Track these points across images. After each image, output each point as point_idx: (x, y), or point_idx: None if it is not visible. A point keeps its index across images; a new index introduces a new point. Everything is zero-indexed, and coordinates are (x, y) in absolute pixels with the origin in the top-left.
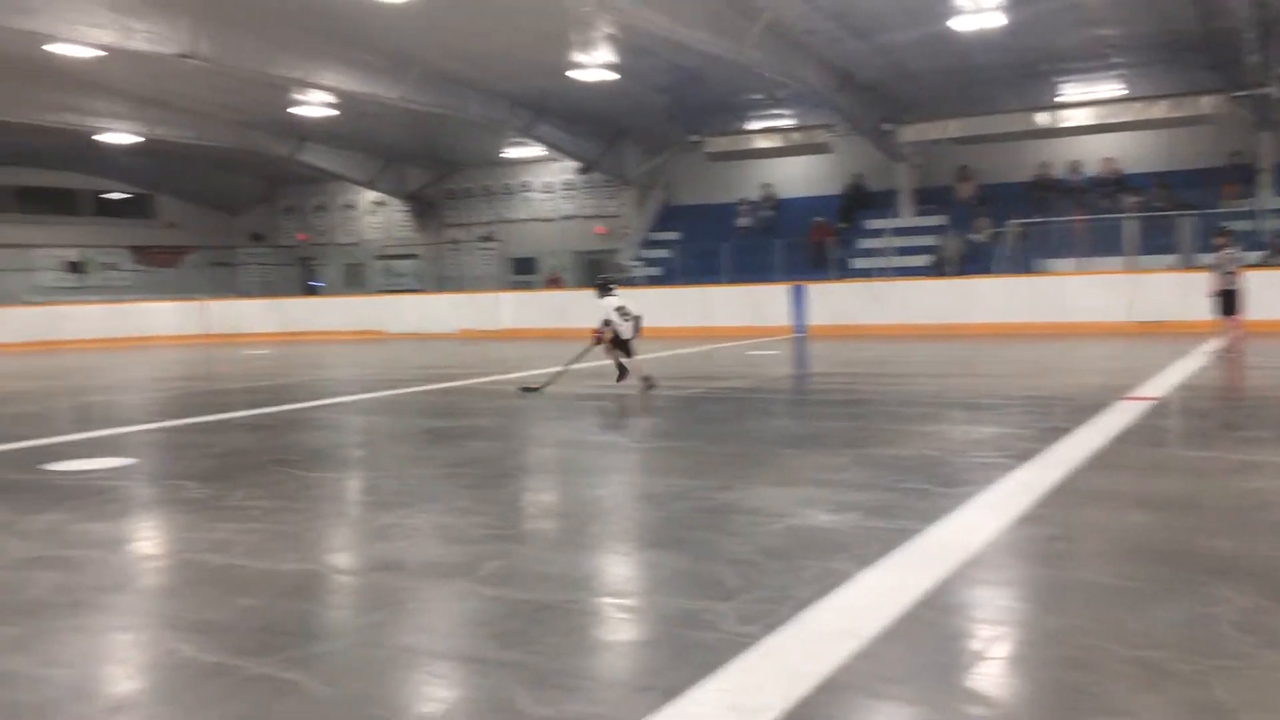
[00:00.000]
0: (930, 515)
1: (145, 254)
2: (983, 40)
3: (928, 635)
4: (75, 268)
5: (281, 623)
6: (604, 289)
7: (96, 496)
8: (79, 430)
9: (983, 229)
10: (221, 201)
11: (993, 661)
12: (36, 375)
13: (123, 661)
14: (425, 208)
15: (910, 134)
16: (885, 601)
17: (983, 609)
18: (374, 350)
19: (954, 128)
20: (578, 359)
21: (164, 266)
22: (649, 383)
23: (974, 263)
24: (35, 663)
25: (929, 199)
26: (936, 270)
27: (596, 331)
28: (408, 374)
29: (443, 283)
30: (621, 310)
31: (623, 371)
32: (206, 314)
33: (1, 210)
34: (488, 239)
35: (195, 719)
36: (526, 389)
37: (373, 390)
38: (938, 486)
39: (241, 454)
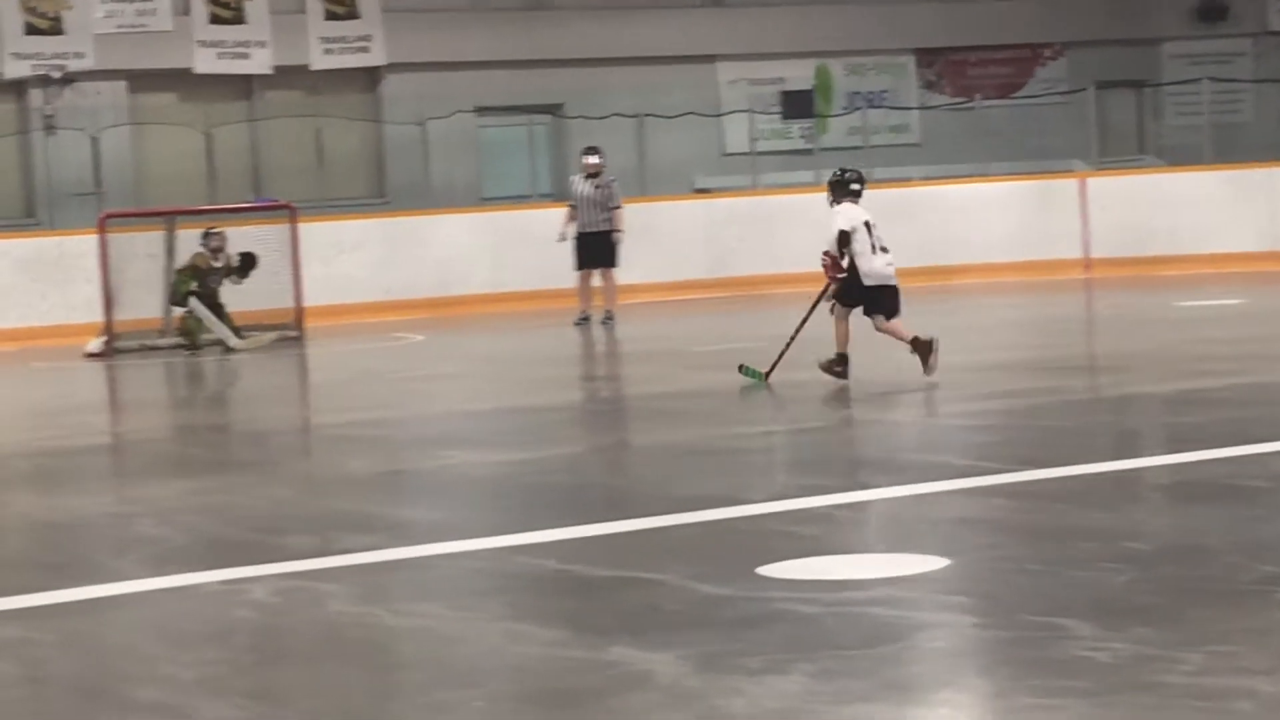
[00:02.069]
0: None
1: (945, 64)
2: None
3: None
4: (796, 106)
5: None
6: (841, 186)
7: (894, 642)
8: (822, 486)
9: None
10: None
11: None
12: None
13: None
14: None
15: None
16: None
17: None
18: None
19: None
20: (806, 319)
21: (998, 95)
22: (926, 356)
23: None
24: None
25: None
26: None
27: (828, 267)
28: None
29: None
30: (869, 226)
31: (838, 362)
32: (1086, 207)
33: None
34: None
35: None
36: (750, 371)
37: None
38: None
39: (1187, 556)
